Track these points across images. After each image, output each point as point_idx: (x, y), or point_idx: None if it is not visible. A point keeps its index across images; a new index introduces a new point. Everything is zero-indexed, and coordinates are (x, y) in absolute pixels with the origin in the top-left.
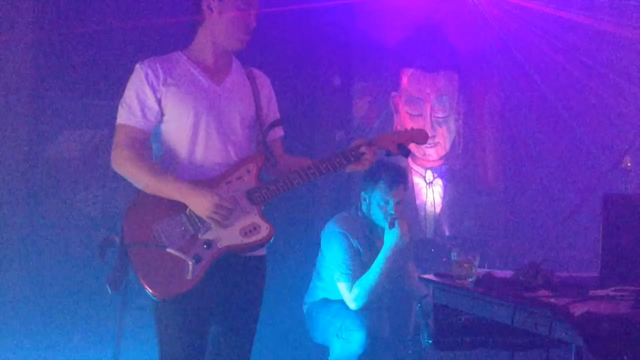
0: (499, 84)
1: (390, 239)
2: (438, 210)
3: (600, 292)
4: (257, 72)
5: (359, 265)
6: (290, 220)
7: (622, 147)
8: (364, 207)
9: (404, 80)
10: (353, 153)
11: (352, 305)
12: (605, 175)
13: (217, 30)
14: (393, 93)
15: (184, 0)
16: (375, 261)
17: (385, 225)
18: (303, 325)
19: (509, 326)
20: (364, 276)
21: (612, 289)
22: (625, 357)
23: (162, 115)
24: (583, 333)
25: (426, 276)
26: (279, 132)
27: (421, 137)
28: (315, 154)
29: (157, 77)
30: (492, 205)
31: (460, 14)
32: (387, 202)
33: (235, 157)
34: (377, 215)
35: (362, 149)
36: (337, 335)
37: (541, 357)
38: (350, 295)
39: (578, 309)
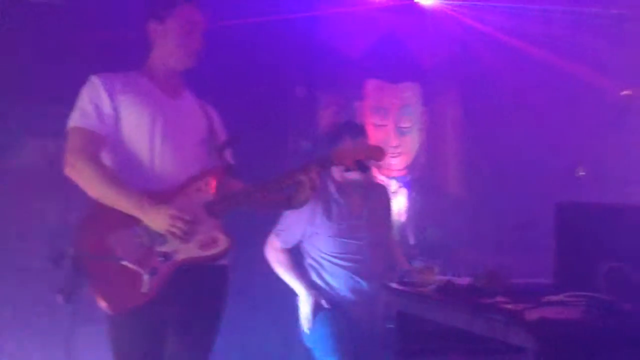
0: (461, 94)
1: None
2: (403, 219)
3: (554, 298)
4: (205, 103)
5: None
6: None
7: (577, 155)
8: None
9: (369, 90)
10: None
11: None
12: (561, 183)
13: (164, 52)
14: (358, 103)
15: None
16: None
17: None
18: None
19: (469, 332)
20: None
21: (565, 294)
22: None
23: (118, 121)
24: (537, 338)
25: (389, 284)
26: (230, 155)
27: (378, 154)
28: (281, 165)
29: (113, 86)
30: (455, 214)
31: (423, 26)
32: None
33: (193, 169)
34: None
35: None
36: (313, 352)
37: None
38: None
39: (532, 315)
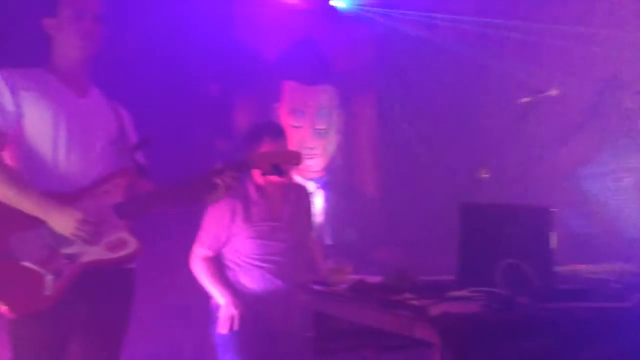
0: (376, 97)
1: None
2: (319, 220)
3: (456, 294)
4: (116, 103)
5: None
6: None
7: (480, 157)
8: None
9: (285, 92)
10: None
11: None
12: (465, 184)
13: (60, 44)
14: (275, 104)
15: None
16: None
17: None
18: None
19: (381, 329)
20: None
21: (467, 290)
22: (478, 353)
23: (21, 118)
24: (440, 331)
25: (304, 284)
26: (141, 157)
27: (295, 159)
28: (196, 167)
29: (15, 82)
30: (370, 215)
31: (338, 29)
32: None
33: (101, 170)
34: None
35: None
36: None
37: (410, 357)
38: None
39: (436, 310)
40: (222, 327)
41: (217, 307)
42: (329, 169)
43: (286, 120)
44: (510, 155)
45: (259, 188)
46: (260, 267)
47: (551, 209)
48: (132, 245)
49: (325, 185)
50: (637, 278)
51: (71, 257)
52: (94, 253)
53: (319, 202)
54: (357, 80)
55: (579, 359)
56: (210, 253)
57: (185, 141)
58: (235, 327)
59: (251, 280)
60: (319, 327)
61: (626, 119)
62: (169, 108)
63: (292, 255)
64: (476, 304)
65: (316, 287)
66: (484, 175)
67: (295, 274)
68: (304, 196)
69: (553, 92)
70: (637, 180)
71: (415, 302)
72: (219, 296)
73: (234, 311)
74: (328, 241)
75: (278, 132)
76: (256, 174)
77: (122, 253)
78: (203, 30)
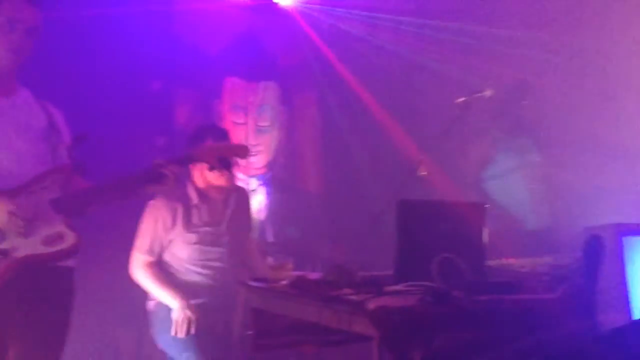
0: (319, 94)
1: None
2: (262, 217)
3: (393, 288)
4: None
5: None
6: None
7: (420, 156)
8: None
9: (227, 88)
10: (154, 172)
11: None
12: (405, 182)
13: None
14: (217, 101)
15: None
16: None
17: None
18: None
19: (321, 325)
20: None
21: (404, 284)
22: (415, 347)
23: None
24: (377, 325)
25: (245, 281)
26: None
27: (242, 152)
28: (136, 162)
29: None
30: (312, 211)
31: (281, 26)
32: None
33: (35, 168)
34: None
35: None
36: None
37: (351, 351)
38: None
39: (373, 304)
40: (180, 331)
41: (158, 309)
42: (271, 165)
43: (228, 116)
44: (448, 153)
45: (199, 192)
46: (199, 273)
47: (484, 205)
48: (70, 239)
49: (267, 182)
50: (563, 270)
51: (5, 252)
52: (29, 247)
53: (261, 199)
54: (300, 77)
55: (511, 349)
56: (151, 258)
57: (126, 138)
58: (193, 330)
59: (189, 285)
60: (258, 324)
61: (527, 119)
62: (110, 105)
63: (231, 259)
64: (412, 298)
65: (257, 284)
66: (423, 172)
67: (234, 278)
68: (243, 198)
69: (487, 93)
70: (542, 175)
71: (353, 297)
72: (170, 300)
73: (190, 314)
74: (270, 238)
75: (221, 135)
76: (198, 177)
77: (59, 247)
78: (144, 26)
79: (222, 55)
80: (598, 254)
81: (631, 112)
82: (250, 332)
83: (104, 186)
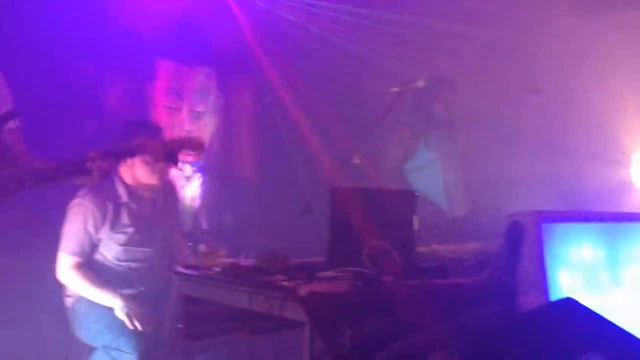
0: (254, 80)
1: None
2: (196, 204)
3: (325, 274)
4: None
5: None
6: None
7: (355, 145)
8: None
9: (162, 72)
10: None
11: None
12: (339, 170)
13: None
14: (150, 85)
15: None
16: None
17: None
18: None
19: (253, 311)
20: None
21: (336, 270)
22: (345, 331)
23: None
24: (308, 311)
25: (176, 269)
26: (14, 122)
27: (197, 146)
28: (65, 146)
29: None
30: (247, 199)
31: (217, 11)
32: None
33: None
34: None
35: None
36: (105, 352)
37: (282, 337)
38: None
39: (304, 290)
40: (139, 325)
41: (77, 305)
42: (206, 152)
43: (162, 101)
44: (383, 143)
45: (128, 189)
46: (126, 272)
47: (415, 193)
48: None
49: (202, 169)
50: (487, 256)
51: None
52: None
53: (195, 186)
54: (236, 63)
55: (438, 329)
56: (80, 259)
57: (57, 121)
58: (140, 326)
59: (120, 284)
60: (190, 312)
61: (445, 112)
62: (42, 88)
63: (158, 257)
64: (343, 283)
65: (189, 271)
66: (357, 161)
67: (162, 275)
68: (171, 195)
69: (420, 84)
70: (458, 164)
71: (285, 284)
72: (110, 300)
73: (135, 308)
74: (204, 225)
75: (155, 131)
76: (125, 174)
77: None
78: (76, 7)
79: (156, 38)
80: (519, 240)
81: (554, 105)
82: (181, 322)
83: (32, 170)
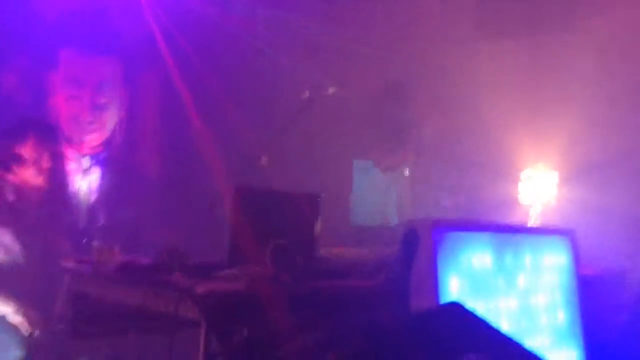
0: (163, 75)
1: None
2: (93, 198)
3: (225, 273)
4: None
5: None
6: None
7: (264, 146)
8: None
9: (63, 60)
10: None
11: None
12: (248, 170)
13: None
14: (51, 72)
15: None
16: None
17: None
18: None
19: (146, 309)
20: None
21: (235, 269)
22: (241, 330)
23: None
24: (203, 309)
25: (65, 264)
26: None
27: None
28: None
29: None
30: (149, 195)
31: (127, 1)
32: None
33: None
34: None
35: None
36: None
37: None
38: None
39: (200, 288)
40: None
41: None
42: (107, 145)
43: (62, 90)
44: (293, 144)
45: (17, 190)
46: (14, 273)
47: (318, 197)
48: None
49: (102, 162)
50: (385, 260)
51: None
52: None
53: (93, 179)
54: (145, 55)
55: (333, 331)
56: None
57: None
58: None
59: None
60: (80, 310)
61: (400, 120)
62: None
63: (41, 260)
64: (242, 282)
65: (80, 267)
66: (264, 162)
67: (49, 275)
68: (57, 195)
69: (331, 90)
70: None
71: (182, 281)
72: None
73: (24, 312)
74: (100, 220)
75: (46, 131)
76: (12, 175)
77: None
78: None
79: (59, 25)
80: (414, 246)
81: (454, 121)
82: (68, 321)
83: None
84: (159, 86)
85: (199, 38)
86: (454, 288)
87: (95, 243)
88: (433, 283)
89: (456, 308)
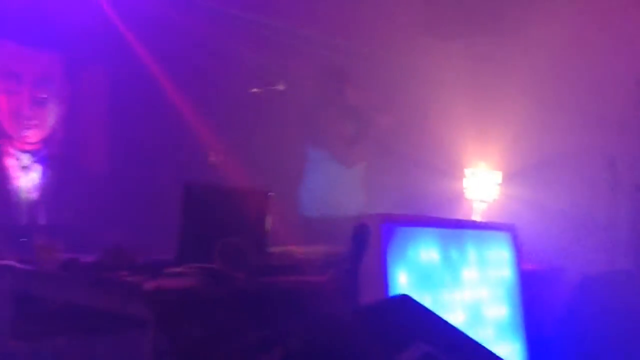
0: (109, 69)
1: None
2: (33, 196)
3: (173, 270)
4: None
5: None
6: None
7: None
8: None
9: (1, 53)
10: None
11: None
12: (196, 167)
13: None
14: None
15: None
16: None
17: None
18: None
19: (92, 309)
20: None
21: (185, 266)
22: (191, 327)
23: None
24: (152, 307)
25: (5, 262)
26: None
27: None
28: None
29: None
30: (93, 193)
31: None
32: None
33: None
34: None
35: None
36: None
37: (123, 337)
38: None
39: (149, 285)
40: None
41: None
42: (48, 141)
43: (1, 84)
44: (241, 142)
45: None
46: None
47: (269, 194)
48: None
49: (42, 159)
50: (334, 257)
51: None
52: None
53: (34, 177)
54: (90, 50)
55: (283, 325)
56: None
57: None
58: None
59: None
60: (22, 309)
61: (353, 114)
62: None
63: None
64: (192, 279)
65: (22, 265)
66: (214, 159)
67: None
68: None
69: (280, 87)
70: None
71: (129, 279)
72: None
73: None
74: (42, 219)
75: None
76: None
77: None
78: None
79: None
80: (364, 240)
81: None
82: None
83: None
84: (106, 82)
85: (146, 33)
86: (402, 281)
87: (36, 241)
88: (382, 277)
89: (404, 300)
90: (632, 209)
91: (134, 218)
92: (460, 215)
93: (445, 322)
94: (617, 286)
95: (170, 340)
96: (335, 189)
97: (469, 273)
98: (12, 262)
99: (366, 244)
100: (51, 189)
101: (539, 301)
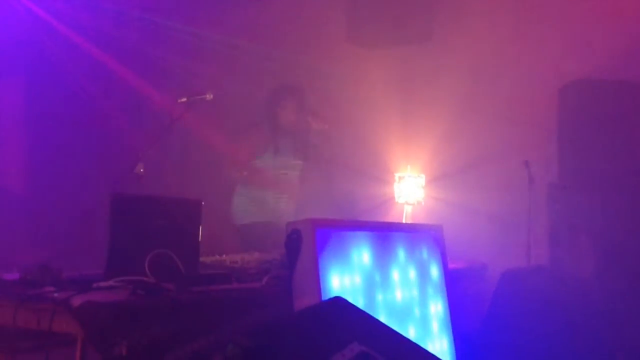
0: (25, 84)
1: None
2: None
3: (103, 284)
4: None
5: None
6: None
7: (139, 154)
8: None
9: None
10: None
11: None
12: (121, 178)
13: None
14: None
15: None
16: None
17: None
18: None
19: (16, 326)
20: None
21: (115, 280)
22: (122, 341)
23: None
24: (81, 322)
25: None
26: None
27: None
28: None
29: None
30: (12, 210)
31: None
32: None
33: None
34: None
35: None
36: None
37: (51, 355)
38: None
39: (77, 300)
40: None
41: None
42: None
43: None
44: (168, 150)
45: None
46: None
47: (199, 202)
48: None
49: None
50: (268, 264)
51: None
52: None
53: None
54: (6, 60)
55: (218, 334)
56: None
57: None
58: None
59: None
60: None
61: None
62: None
63: None
64: (123, 292)
65: None
66: (141, 169)
67: None
68: None
69: (208, 96)
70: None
71: (55, 295)
72: None
73: None
74: None
75: None
76: None
77: None
78: None
79: None
80: (297, 245)
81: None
82: None
83: None
84: (24, 91)
85: (69, 41)
86: (335, 285)
87: None
88: (315, 280)
89: (339, 303)
90: (545, 207)
91: (59, 234)
92: (391, 218)
93: (379, 322)
94: (534, 280)
95: (100, 356)
96: (267, 195)
97: (398, 274)
98: None
99: (299, 249)
100: None
101: (465, 298)
